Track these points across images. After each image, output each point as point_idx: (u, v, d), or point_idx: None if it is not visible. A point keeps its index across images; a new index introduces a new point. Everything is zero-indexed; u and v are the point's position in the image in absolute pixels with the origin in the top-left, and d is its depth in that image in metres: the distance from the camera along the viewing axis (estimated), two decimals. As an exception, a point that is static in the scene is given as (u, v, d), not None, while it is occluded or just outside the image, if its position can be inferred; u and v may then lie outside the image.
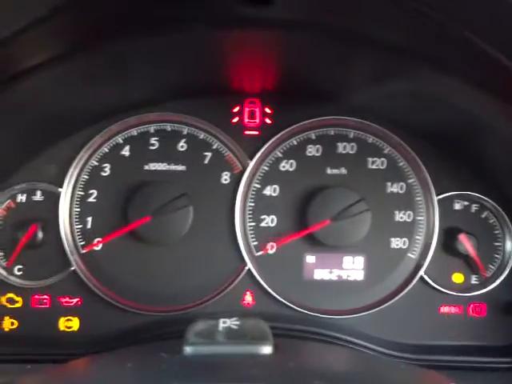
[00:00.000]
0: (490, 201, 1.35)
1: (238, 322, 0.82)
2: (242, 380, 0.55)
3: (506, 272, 1.34)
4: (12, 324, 1.32)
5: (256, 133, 1.37)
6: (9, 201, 1.33)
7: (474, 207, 1.37)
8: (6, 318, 1.32)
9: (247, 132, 1.37)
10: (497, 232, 1.36)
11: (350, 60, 1.07)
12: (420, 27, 0.83)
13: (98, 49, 0.93)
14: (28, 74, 0.94)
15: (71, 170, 1.33)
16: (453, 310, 1.36)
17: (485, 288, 1.35)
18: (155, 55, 1.04)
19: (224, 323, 0.81)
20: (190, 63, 1.14)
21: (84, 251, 1.32)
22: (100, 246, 1.33)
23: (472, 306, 1.36)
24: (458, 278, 1.37)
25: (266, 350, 0.73)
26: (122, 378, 0.56)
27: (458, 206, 1.38)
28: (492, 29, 0.77)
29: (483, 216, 1.37)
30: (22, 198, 1.34)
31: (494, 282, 1.35)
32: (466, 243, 1.32)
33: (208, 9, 0.82)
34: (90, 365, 0.80)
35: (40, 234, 1.30)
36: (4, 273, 1.31)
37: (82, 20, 0.81)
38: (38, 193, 1.34)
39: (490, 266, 1.36)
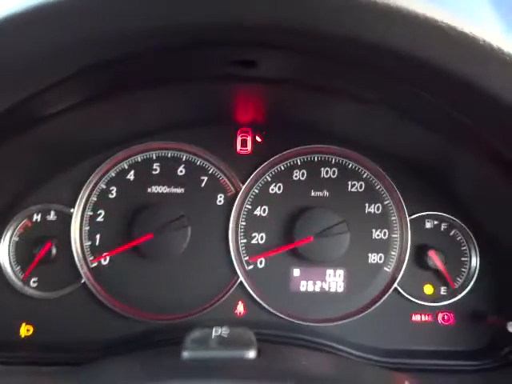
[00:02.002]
0: (457, 220, 1.45)
1: (227, 331, 0.96)
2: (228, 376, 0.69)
3: (472, 284, 1.44)
4: (28, 331, 1.43)
5: (247, 159, 1.47)
6: (25, 220, 1.44)
7: (443, 226, 1.48)
8: (23, 325, 1.43)
9: (240, 158, 1.47)
10: (463, 248, 1.46)
11: (330, 106, 1.20)
12: (396, 91, 0.96)
13: (112, 98, 1.07)
14: (49, 118, 1.08)
15: (82, 192, 1.44)
16: (423, 318, 1.46)
17: (453, 298, 1.45)
18: (161, 101, 1.18)
19: (216, 332, 0.95)
20: (191, 104, 1.26)
21: (93, 265, 1.44)
22: (107, 260, 1.44)
23: (441, 314, 1.46)
24: (428, 289, 1.47)
25: (251, 354, 0.87)
26: (132, 377, 0.70)
27: (428, 225, 1.48)
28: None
29: (451, 234, 1.47)
30: (37, 217, 1.44)
31: (460, 292, 1.45)
32: (435, 258, 1.43)
33: (206, 69, 0.96)
34: (103, 366, 0.93)
35: (54, 250, 1.41)
36: (21, 284, 1.43)
37: (101, 77, 0.95)
38: (52, 213, 1.44)
39: (458, 279, 1.46)
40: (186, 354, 0.87)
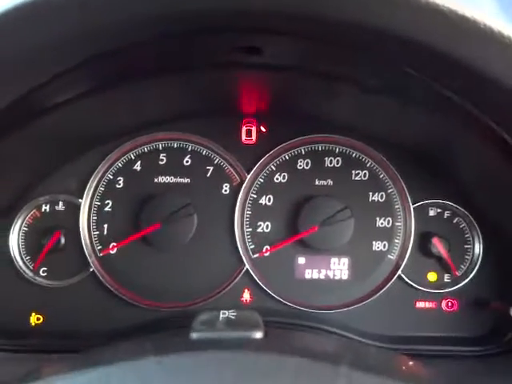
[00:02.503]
0: (460, 208, 1.46)
1: (235, 313, 0.98)
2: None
3: (475, 271, 1.46)
4: (38, 319, 1.46)
5: (252, 149, 1.49)
6: (34, 210, 1.47)
7: (447, 214, 1.49)
8: (33, 313, 1.45)
9: (245, 148, 1.48)
10: (467, 236, 1.48)
11: (334, 94, 1.21)
12: (398, 77, 0.97)
13: (117, 88, 1.09)
14: (55, 108, 1.09)
15: (89, 182, 1.46)
16: (428, 305, 1.48)
17: (456, 285, 1.47)
18: (166, 90, 1.19)
19: (223, 314, 0.97)
20: (196, 93, 1.28)
21: (101, 255, 1.46)
22: (115, 250, 1.46)
23: (445, 301, 1.48)
24: (432, 276, 1.48)
25: (258, 335, 0.89)
26: (145, 354, 0.72)
27: (432, 213, 1.49)
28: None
29: (455, 221, 1.49)
30: (45, 207, 1.47)
31: (464, 279, 1.46)
32: (438, 246, 1.45)
33: (210, 56, 0.98)
34: (112, 349, 0.95)
35: (62, 240, 1.44)
36: (31, 274, 1.45)
37: (105, 67, 0.97)
38: (61, 203, 1.47)
39: (461, 266, 1.47)
40: (194, 335, 0.88)
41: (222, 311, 0.98)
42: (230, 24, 0.77)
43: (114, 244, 1.47)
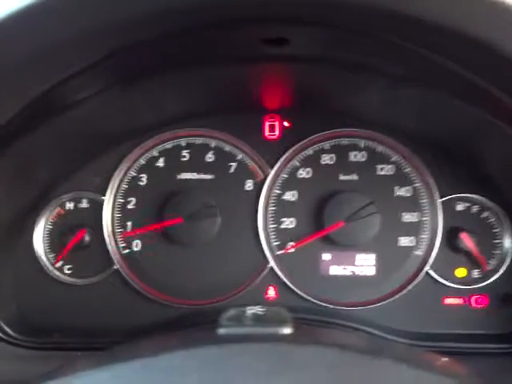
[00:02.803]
0: (489, 202, 1.44)
1: (262, 309, 0.96)
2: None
3: (505, 266, 1.43)
4: (63, 317, 1.45)
5: (276, 144, 1.47)
6: (58, 208, 1.47)
7: (475, 208, 1.46)
8: (58, 311, 1.46)
9: (268, 144, 1.47)
10: (496, 230, 1.44)
11: (359, 86, 1.19)
12: (427, 66, 0.95)
13: (139, 83, 1.08)
14: (77, 104, 1.09)
15: (113, 180, 1.46)
16: (456, 301, 1.45)
17: (486, 281, 1.44)
18: (188, 86, 1.18)
19: (251, 310, 0.96)
20: (219, 89, 1.27)
21: (125, 251, 1.46)
22: (139, 247, 1.46)
23: (474, 297, 1.45)
24: (460, 272, 1.45)
25: (286, 330, 0.87)
26: (174, 350, 0.71)
27: (459, 207, 1.46)
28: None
29: (483, 216, 1.45)
30: (69, 205, 1.47)
31: (493, 275, 1.43)
32: (467, 241, 1.42)
33: (237, 49, 0.96)
34: (140, 345, 0.95)
35: (86, 238, 1.44)
36: (55, 272, 1.46)
37: (127, 62, 0.96)
38: (84, 201, 1.47)
39: (490, 261, 1.44)
40: (221, 331, 0.87)
41: (249, 307, 0.97)
42: (259, 14, 0.75)
43: (138, 241, 1.46)
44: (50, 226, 1.47)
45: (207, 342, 0.72)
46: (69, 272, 1.47)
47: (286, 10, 0.73)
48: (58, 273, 1.46)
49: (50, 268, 1.46)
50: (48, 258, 1.46)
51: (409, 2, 0.72)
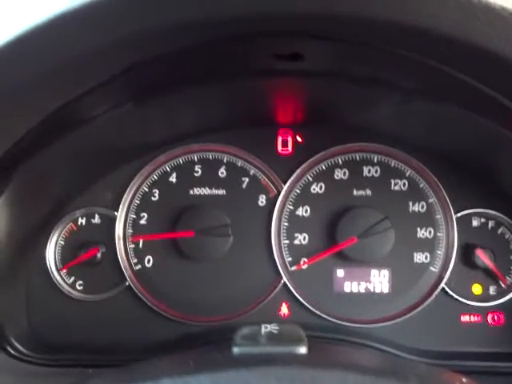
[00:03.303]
0: (505, 217, 1.42)
1: (277, 328, 0.95)
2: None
3: (522, 283, 1.40)
4: (75, 333, 1.44)
5: (288, 159, 1.46)
6: (71, 224, 1.46)
7: (491, 224, 1.44)
8: (71, 327, 1.44)
9: (281, 159, 1.46)
10: (512, 246, 1.43)
11: (372, 100, 1.19)
12: (441, 80, 0.94)
13: (151, 99, 1.08)
14: (91, 120, 1.09)
15: (125, 195, 1.45)
16: (473, 318, 1.43)
17: (503, 298, 1.41)
18: (201, 101, 1.18)
19: (266, 328, 0.94)
20: (232, 104, 1.26)
21: (137, 267, 1.45)
22: (151, 263, 1.45)
23: (491, 315, 1.43)
24: (477, 289, 1.43)
25: (302, 350, 0.86)
26: (188, 371, 0.70)
27: (475, 223, 1.44)
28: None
29: (499, 231, 1.43)
30: (82, 221, 1.47)
31: (510, 292, 1.41)
32: (483, 257, 1.40)
33: (251, 64, 0.96)
34: (155, 364, 0.93)
35: (99, 254, 1.43)
36: (67, 288, 1.45)
37: (142, 78, 0.96)
38: (97, 216, 1.46)
39: (507, 278, 1.42)
40: (236, 350, 0.86)
41: (263, 325, 0.96)
42: (275, 29, 0.75)
43: (150, 257, 1.45)
44: (63, 242, 1.47)
45: (224, 363, 0.71)
46: (80, 288, 1.46)
47: (298, 24, 0.72)
48: (69, 289, 1.45)
49: (62, 284, 1.45)
50: (60, 274, 1.46)
51: (419, 15, 0.71)
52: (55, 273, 1.45)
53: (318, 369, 0.64)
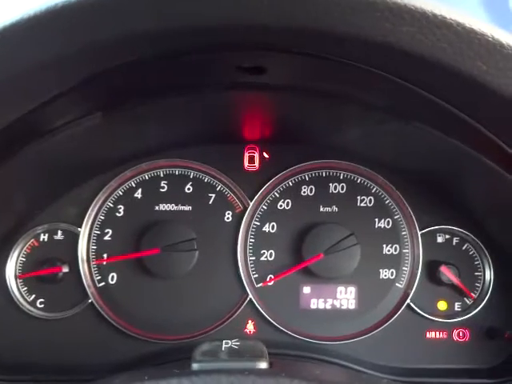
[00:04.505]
0: (469, 234, 1.43)
1: (238, 343, 0.93)
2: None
3: (486, 299, 1.41)
4: (35, 352, 1.40)
5: (255, 175, 1.46)
6: (32, 240, 1.43)
7: (455, 240, 1.45)
8: (31, 346, 1.40)
9: (247, 175, 1.46)
10: (477, 262, 1.44)
11: (338, 116, 1.19)
12: (403, 96, 0.95)
13: (114, 112, 1.07)
14: (52, 133, 1.07)
15: (89, 211, 1.43)
16: (438, 335, 1.43)
17: (468, 314, 1.42)
18: (166, 114, 1.17)
19: (226, 344, 0.93)
20: (197, 118, 1.26)
21: (100, 284, 1.42)
22: (115, 280, 1.42)
23: (456, 331, 1.43)
24: (442, 305, 1.44)
25: (262, 365, 0.85)
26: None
27: (440, 239, 1.45)
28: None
29: (464, 248, 1.45)
30: (44, 237, 1.43)
31: (476, 308, 1.42)
32: (448, 273, 1.40)
33: (214, 76, 0.96)
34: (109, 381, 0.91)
35: (61, 270, 1.40)
36: (28, 306, 1.41)
37: (100, 91, 0.95)
38: (59, 232, 1.43)
39: (472, 294, 1.43)
40: (195, 366, 0.85)
41: (224, 341, 0.94)
42: (234, 42, 0.75)
43: (113, 274, 1.43)
44: (24, 258, 1.43)
45: (178, 375, 0.69)
46: (41, 306, 1.42)
47: (258, 36, 0.72)
48: (30, 307, 1.41)
49: (22, 302, 1.41)
50: (20, 292, 1.42)
51: (384, 32, 0.72)
52: (15, 290, 1.41)
53: (275, 378, 0.63)
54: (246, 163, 1.48)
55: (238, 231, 1.44)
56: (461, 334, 1.44)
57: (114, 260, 1.42)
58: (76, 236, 1.43)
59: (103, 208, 1.45)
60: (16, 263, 1.42)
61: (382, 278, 1.44)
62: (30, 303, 1.42)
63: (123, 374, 0.92)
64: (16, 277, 1.42)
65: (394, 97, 0.99)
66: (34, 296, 1.42)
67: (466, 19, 0.72)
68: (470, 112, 0.89)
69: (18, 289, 1.42)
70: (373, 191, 1.46)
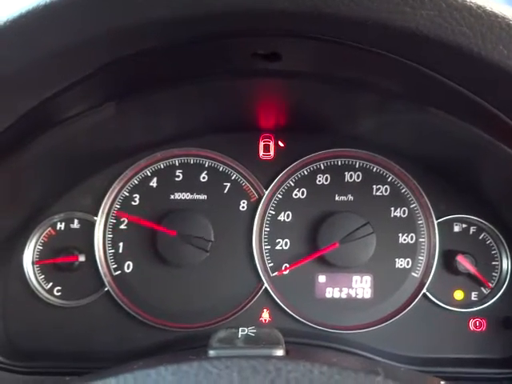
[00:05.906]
0: (486, 223, 1.42)
1: (254, 330, 0.93)
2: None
3: (504, 288, 1.40)
4: (52, 340, 1.41)
5: (270, 164, 1.46)
6: (49, 229, 1.44)
7: (472, 229, 1.44)
8: (48, 334, 1.41)
9: (262, 164, 1.46)
10: (494, 252, 1.42)
11: (354, 103, 1.18)
12: (420, 81, 0.94)
13: (129, 101, 1.07)
14: (67, 123, 1.07)
15: (105, 200, 1.43)
16: (454, 324, 1.42)
17: (484, 304, 1.41)
18: (181, 103, 1.17)
19: (243, 331, 0.93)
20: (212, 107, 1.25)
21: (116, 273, 1.43)
22: (131, 268, 1.43)
23: (472, 320, 1.42)
24: (458, 294, 1.43)
25: (279, 352, 0.84)
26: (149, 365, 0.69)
27: (457, 229, 1.44)
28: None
29: (481, 237, 1.44)
30: (60, 226, 1.45)
31: (492, 298, 1.41)
32: (464, 263, 1.39)
33: (229, 63, 0.95)
34: (130, 367, 0.91)
35: (77, 259, 1.41)
36: (46, 294, 1.42)
37: (116, 79, 0.95)
38: (76, 221, 1.45)
39: (489, 284, 1.42)
40: (211, 353, 0.84)
41: (241, 328, 0.94)
42: (250, 28, 0.74)
43: (130, 262, 1.44)
44: (41, 247, 1.44)
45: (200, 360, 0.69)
46: (58, 294, 1.43)
47: (274, 22, 0.72)
48: (47, 295, 1.43)
49: (40, 290, 1.43)
50: (38, 280, 1.43)
51: (403, 17, 0.71)
52: (33, 278, 1.43)
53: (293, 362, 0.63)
54: (261, 152, 1.48)
55: (253, 220, 1.44)
56: (477, 324, 1.43)
57: (133, 220, 1.43)
58: (92, 225, 1.44)
59: (119, 197, 1.45)
60: (33, 251, 1.43)
61: (398, 268, 1.43)
62: (47, 291, 1.44)
63: (141, 360, 0.92)
64: (33, 263, 1.43)
65: (410, 83, 0.98)
66: (51, 284, 1.44)
67: (487, 2, 0.71)
68: (490, 98, 0.88)
69: (36, 277, 1.43)
70: (389, 180, 1.45)
